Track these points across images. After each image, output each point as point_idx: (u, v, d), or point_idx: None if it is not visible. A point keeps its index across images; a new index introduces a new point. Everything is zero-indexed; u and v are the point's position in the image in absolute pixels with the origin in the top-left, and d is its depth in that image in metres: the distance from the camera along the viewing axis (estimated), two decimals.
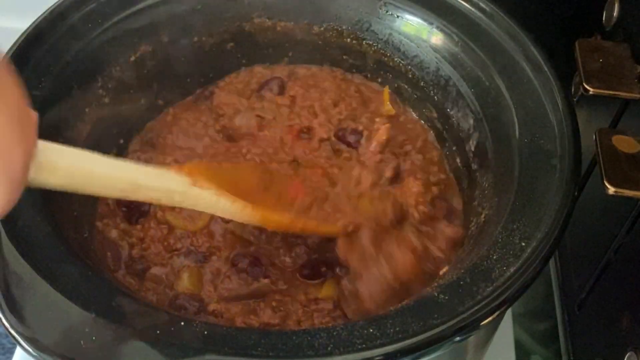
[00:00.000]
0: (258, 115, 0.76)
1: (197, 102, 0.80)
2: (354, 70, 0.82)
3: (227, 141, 0.75)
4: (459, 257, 0.60)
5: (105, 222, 0.68)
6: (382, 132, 0.72)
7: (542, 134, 0.60)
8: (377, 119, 0.75)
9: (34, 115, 0.42)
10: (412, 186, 0.67)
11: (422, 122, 0.78)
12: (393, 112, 0.79)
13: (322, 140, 0.74)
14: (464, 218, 0.69)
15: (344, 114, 0.76)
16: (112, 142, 0.74)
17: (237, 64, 0.83)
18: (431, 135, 0.77)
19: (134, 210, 0.69)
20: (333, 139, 0.75)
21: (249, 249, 0.65)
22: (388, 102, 0.79)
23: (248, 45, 0.81)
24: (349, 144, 0.74)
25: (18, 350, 0.79)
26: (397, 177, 0.70)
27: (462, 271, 0.52)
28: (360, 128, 0.75)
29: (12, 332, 0.46)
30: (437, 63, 0.73)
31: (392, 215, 0.62)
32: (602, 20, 0.69)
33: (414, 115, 0.79)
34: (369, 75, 0.82)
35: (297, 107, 0.77)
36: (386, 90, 0.80)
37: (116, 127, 0.75)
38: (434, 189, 0.68)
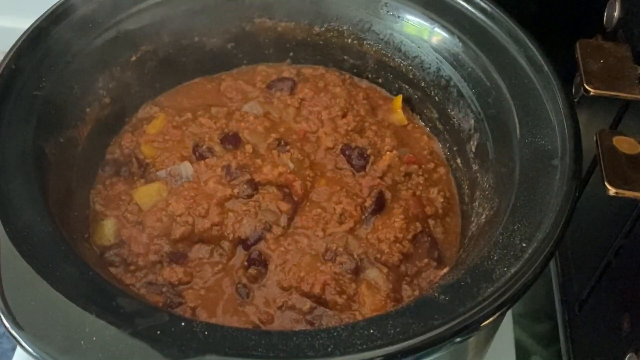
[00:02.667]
0: (266, 112, 0.77)
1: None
2: (354, 71, 0.82)
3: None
4: (460, 258, 0.60)
5: None
6: (385, 159, 0.71)
7: (542, 135, 0.60)
8: (387, 139, 0.74)
9: None
10: (395, 220, 0.66)
11: (429, 130, 0.78)
12: (405, 122, 0.78)
13: (327, 149, 0.73)
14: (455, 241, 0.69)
15: (351, 125, 0.75)
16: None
17: (238, 64, 0.83)
18: (438, 146, 0.77)
19: None
20: (339, 152, 0.73)
21: None
22: (400, 111, 0.78)
23: (249, 45, 0.81)
24: (352, 166, 0.72)
25: (18, 350, 0.78)
26: (381, 208, 0.68)
27: (463, 272, 0.52)
28: (368, 152, 0.72)
29: (12, 332, 0.46)
30: (437, 63, 0.73)
31: None
32: (603, 20, 0.69)
33: (421, 123, 0.79)
34: (370, 76, 0.82)
35: (305, 111, 0.76)
36: (399, 98, 0.79)
37: (116, 126, 0.75)
38: (417, 225, 0.67)
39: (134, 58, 0.74)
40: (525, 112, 0.62)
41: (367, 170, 0.72)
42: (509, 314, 0.79)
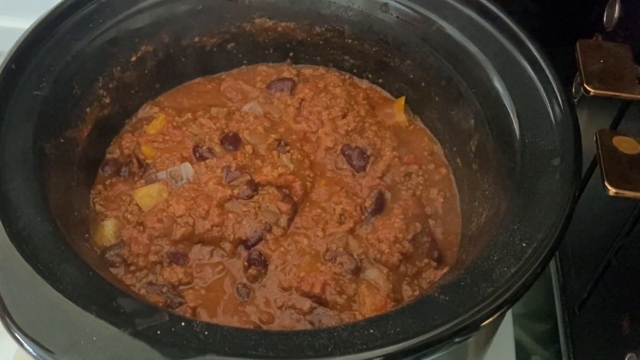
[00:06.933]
0: (266, 113, 0.76)
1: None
2: (354, 71, 0.82)
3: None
4: (460, 258, 0.61)
5: None
6: (385, 159, 0.71)
7: (543, 135, 0.60)
8: (387, 139, 0.74)
9: None
10: (394, 220, 0.66)
11: (429, 130, 0.78)
12: (407, 124, 0.78)
13: (327, 149, 0.73)
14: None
15: (351, 125, 0.75)
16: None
17: (238, 64, 0.83)
18: (438, 147, 0.77)
19: None
20: (339, 153, 0.73)
21: None
22: (402, 113, 0.78)
23: (249, 45, 0.81)
24: (352, 166, 0.72)
25: (18, 349, 0.78)
26: (380, 208, 0.68)
27: (463, 271, 0.52)
28: (368, 153, 0.72)
29: (12, 332, 0.46)
30: (437, 63, 0.73)
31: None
32: (603, 20, 0.69)
33: (422, 124, 0.79)
34: (370, 76, 0.82)
35: (305, 112, 0.76)
36: (401, 100, 0.79)
37: (116, 126, 0.75)
38: (417, 225, 0.67)
39: (134, 58, 0.74)
40: (525, 112, 0.62)
41: (367, 170, 0.72)
42: (509, 314, 0.79)
